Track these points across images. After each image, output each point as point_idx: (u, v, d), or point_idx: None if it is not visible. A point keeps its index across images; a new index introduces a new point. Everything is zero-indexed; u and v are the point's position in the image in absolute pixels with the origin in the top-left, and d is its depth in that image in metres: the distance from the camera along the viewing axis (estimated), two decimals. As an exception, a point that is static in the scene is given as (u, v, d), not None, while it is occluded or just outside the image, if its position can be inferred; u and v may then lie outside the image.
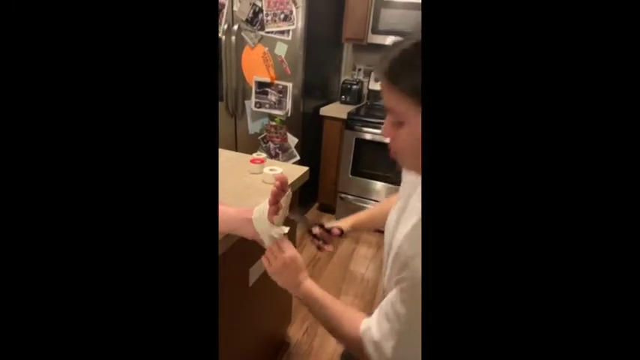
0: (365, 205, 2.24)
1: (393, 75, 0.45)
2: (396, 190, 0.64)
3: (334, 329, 0.60)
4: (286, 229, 0.63)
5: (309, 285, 0.63)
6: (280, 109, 2.04)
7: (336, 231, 0.79)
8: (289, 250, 0.63)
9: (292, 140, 2.11)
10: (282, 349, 1.38)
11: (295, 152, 2.13)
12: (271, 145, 2.18)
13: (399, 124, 0.48)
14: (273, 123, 2.10)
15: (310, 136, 2.19)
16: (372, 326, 0.55)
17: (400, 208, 0.61)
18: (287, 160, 2.16)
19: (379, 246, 2.17)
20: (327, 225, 0.79)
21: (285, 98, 2.00)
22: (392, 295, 0.53)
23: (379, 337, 0.53)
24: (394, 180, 2.14)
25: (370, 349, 0.54)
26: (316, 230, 0.78)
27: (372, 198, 2.22)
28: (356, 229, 0.82)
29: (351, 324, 0.58)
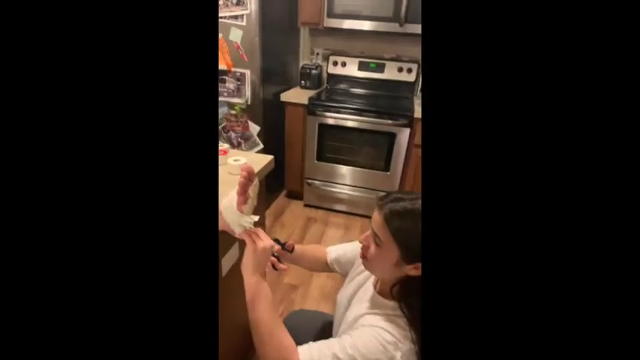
0: (333, 189, 2.29)
1: (388, 218, 0.61)
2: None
3: (271, 330, 0.63)
4: (256, 218, 0.64)
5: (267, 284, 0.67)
6: (239, 96, 1.99)
7: (290, 244, 0.83)
8: (268, 239, 0.65)
9: (254, 128, 2.08)
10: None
11: (258, 140, 2.11)
12: (232, 135, 2.13)
13: (377, 242, 0.64)
14: (233, 112, 2.05)
15: (272, 123, 2.17)
16: (311, 345, 0.63)
17: (354, 288, 0.79)
18: (250, 148, 2.13)
19: (347, 227, 2.24)
20: (282, 241, 0.83)
21: (244, 85, 1.96)
22: (336, 339, 0.63)
23: (318, 352, 0.61)
24: (360, 163, 2.19)
25: (306, 356, 0.60)
26: (275, 248, 0.81)
27: (339, 182, 2.27)
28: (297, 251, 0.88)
29: (290, 339, 0.63)
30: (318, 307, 1.59)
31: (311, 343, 0.63)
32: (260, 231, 0.65)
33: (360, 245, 0.86)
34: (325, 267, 0.93)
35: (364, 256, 0.68)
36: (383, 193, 0.67)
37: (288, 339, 0.63)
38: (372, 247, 0.65)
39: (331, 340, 0.64)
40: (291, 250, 0.84)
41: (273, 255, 0.80)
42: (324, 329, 0.96)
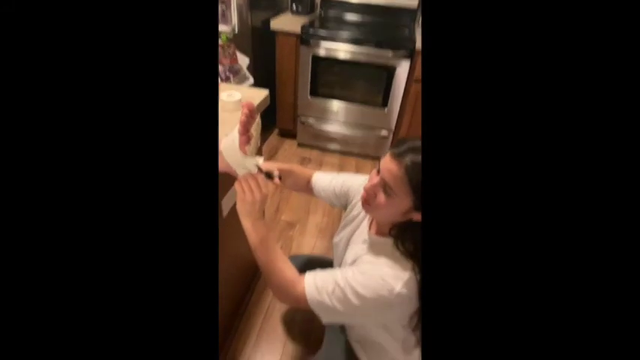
0: (327, 128, 2.21)
1: (410, 170, 0.59)
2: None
3: (273, 267, 0.65)
4: (261, 160, 0.59)
5: (264, 224, 0.66)
6: (225, 22, 1.79)
7: (276, 179, 0.79)
8: (264, 185, 0.61)
9: (243, 60, 1.91)
10: (257, 274, 1.45)
11: (248, 74, 1.95)
12: (220, 68, 1.96)
13: (388, 192, 0.62)
14: (220, 41, 1.86)
15: (262, 54, 2.00)
16: (316, 273, 0.66)
17: (350, 230, 0.81)
18: (240, 83, 1.98)
19: (341, 167, 2.22)
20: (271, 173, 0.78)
21: (230, 9, 1.75)
22: (338, 270, 0.66)
23: (321, 281, 0.64)
24: (356, 99, 2.09)
25: (311, 283, 0.64)
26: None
27: (334, 119, 2.18)
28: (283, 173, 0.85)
29: (293, 270, 0.66)
30: (315, 244, 1.64)
31: (316, 272, 0.66)
32: (259, 178, 0.61)
33: (351, 183, 0.86)
34: (308, 189, 0.93)
35: (368, 202, 0.67)
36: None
37: (291, 271, 0.65)
38: (381, 196, 0.63)
39: (335, 269, 0.67)
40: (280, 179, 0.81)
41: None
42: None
